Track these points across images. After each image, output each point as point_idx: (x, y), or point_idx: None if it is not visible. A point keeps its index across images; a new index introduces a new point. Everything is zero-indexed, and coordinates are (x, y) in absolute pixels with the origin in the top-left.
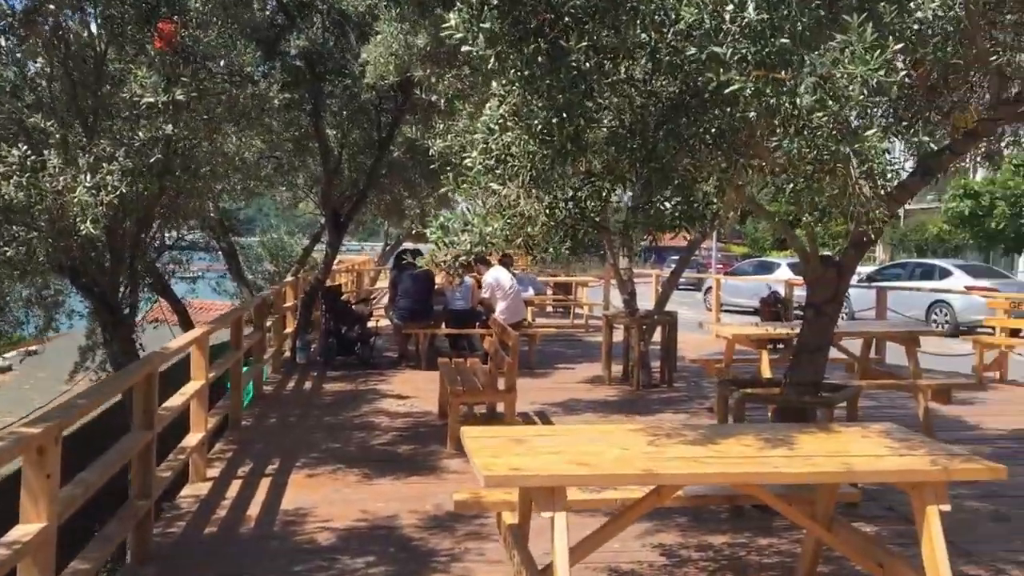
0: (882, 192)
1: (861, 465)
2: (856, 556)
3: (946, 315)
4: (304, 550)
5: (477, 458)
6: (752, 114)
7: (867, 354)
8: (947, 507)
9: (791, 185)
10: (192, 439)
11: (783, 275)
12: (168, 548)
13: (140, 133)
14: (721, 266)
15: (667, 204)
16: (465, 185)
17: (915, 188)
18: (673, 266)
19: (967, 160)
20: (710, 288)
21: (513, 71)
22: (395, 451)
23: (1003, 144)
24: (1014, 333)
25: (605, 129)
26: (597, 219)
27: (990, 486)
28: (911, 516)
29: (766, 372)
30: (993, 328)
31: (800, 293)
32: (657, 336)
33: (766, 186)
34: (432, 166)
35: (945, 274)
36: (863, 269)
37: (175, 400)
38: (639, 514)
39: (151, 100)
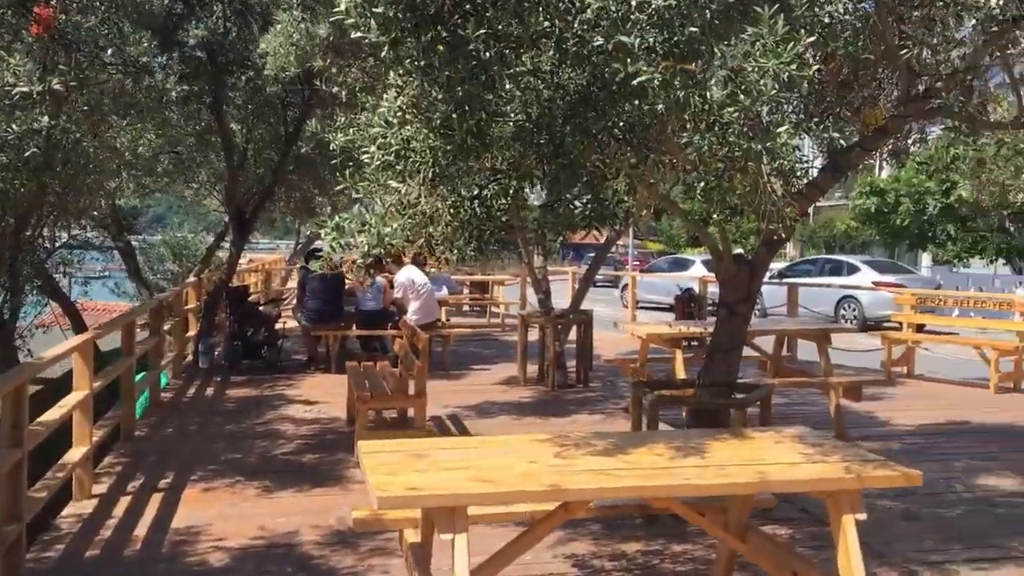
0: (793, 190)
1: (775, 474)
2: (770, 566)
3: (854, 310)
4: (193, 572)
5: (372, 476)
6: (661, 107)
7: (779, 352)
8: (863, 516)
9: (702, 183)
10: (75, 454)
11: (697, 272)
12: (42, 574)
13: (15, 126)
14: (637, 263)
15: (577, 203)
16: (363, 183)
17: (825, 186)
18: (590, 263)
19: (874, 157)
20: (627, 285)
21: (410, 60)
22: (299, 461)
23: (910, 141)
24: (920, 328)
25: (511, 124)
26: (504, 218)
27: None
28: (825, 518)
29: (680, 372)
30: (900, 323)
31: (714, 290)
32: (573, 335)
33: (677, 183)
34: (333, 161)
35: (853, 270)
36: (774, 266)
37: (53, 413)
38: (549, 530)
39: (24, 90)
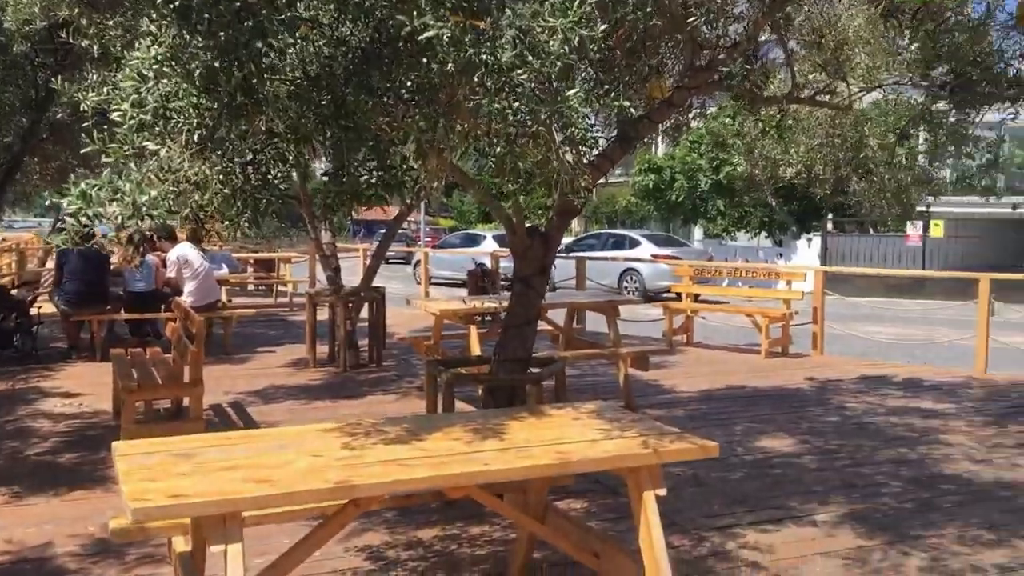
0: (585, 160)
1: (576, 454)
2: (571, 548)
3: (636, 282)
4: None
5: (127, 484)
6: (451, 67)
7: (571, 324)
8: (663, 491)
9: (496, 150)
10: None
11: (489, 247)
12: None
13: None
14: (429, 239)
15: (363, 170)
16: (114, 145)
17: (615, 157)
18: (381, 239)
19: (659, 131)
20: (419, 262)
21: (163, 1)
22: (55, 461)
23: (691, 116)
24: (696, 298)
25: (286, 81)
26: (283, 187)
27: None
28: (619, 488)
29: (475, 348)
30: (679, 294)
31: (507, 264)
32: (365, 313)
33: (466, 150)
34: (85, 124)
35: (634, 244)
36: (563, 240)
37: None
38: (340, 527)
39: None
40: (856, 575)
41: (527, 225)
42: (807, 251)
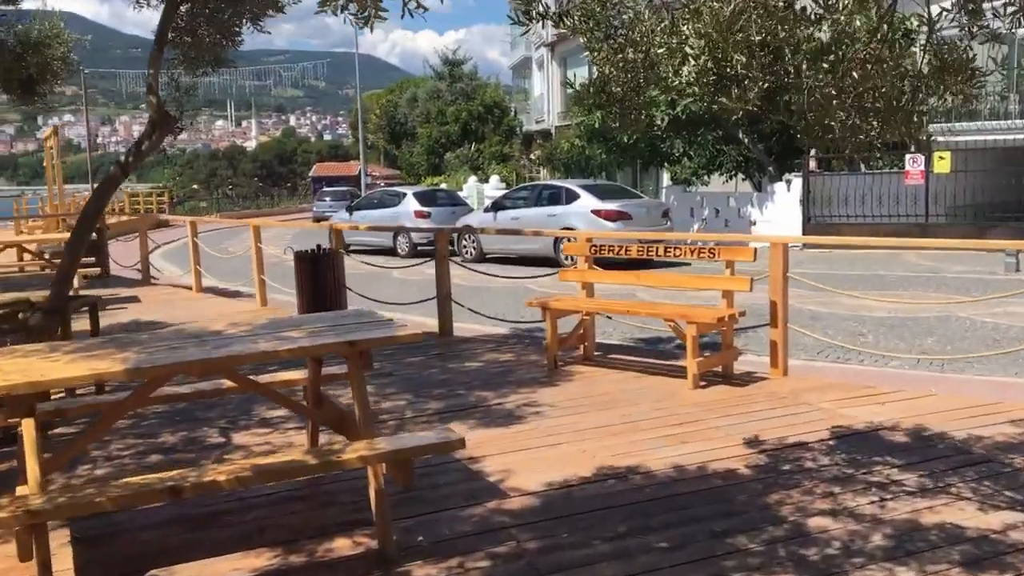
0: None
1: None
2: None
3: None
4: None
5: None
6: None
7: (318, 380)
8: None
9: None
10: None
11: (409, 208)
12: None
13: None
14: None
15: None
16: None
17: None
18: None
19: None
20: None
21: None
22: None
23: None
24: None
25: None
26: None
27: None
28: None
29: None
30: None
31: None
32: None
33: None
34: None
35: (572, 197)
36: (494, 193)
37: None
38: None
39: None
40: None
41: None
42: (786, 196)
